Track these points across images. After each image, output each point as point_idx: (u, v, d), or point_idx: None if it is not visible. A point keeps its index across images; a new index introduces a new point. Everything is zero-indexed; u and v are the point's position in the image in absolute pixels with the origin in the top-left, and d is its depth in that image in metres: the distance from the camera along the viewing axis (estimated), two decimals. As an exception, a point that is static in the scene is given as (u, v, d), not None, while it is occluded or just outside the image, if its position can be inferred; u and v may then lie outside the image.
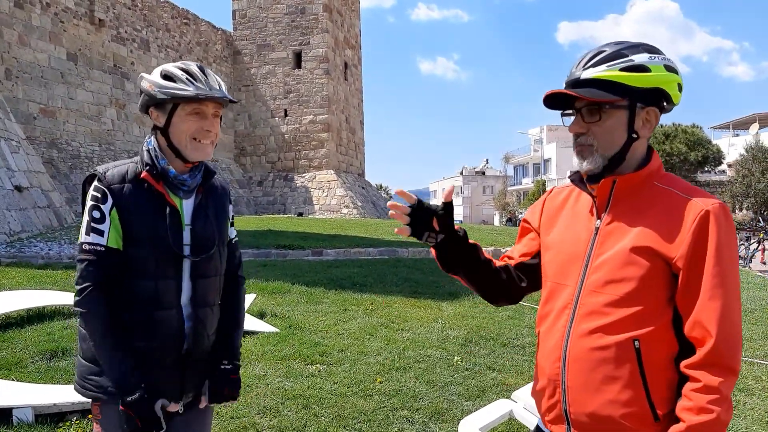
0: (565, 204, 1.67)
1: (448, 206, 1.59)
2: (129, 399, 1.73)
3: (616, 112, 1.49)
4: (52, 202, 13.57)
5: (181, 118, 1.82)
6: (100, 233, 1.76)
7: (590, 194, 1.56)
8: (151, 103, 1.85)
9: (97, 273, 1.76)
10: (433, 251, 1.67)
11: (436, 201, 1.62)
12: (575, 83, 1.50)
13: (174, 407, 1.87)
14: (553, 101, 1.54)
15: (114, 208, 1.78)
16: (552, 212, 1.69)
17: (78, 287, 1.77)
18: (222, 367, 1.94)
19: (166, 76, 1.81)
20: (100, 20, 20.58)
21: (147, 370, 1.80)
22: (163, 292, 1.81)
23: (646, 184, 1.51)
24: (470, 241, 1.67)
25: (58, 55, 18.76)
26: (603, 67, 1.47)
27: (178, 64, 1.85)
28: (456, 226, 1.64)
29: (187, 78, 1.80)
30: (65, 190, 16.57)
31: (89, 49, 20.17)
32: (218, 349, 1.97)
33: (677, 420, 1.38)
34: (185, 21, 26.43)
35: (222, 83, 1.87)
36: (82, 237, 1.78)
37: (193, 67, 1.84)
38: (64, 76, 18.96)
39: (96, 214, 1.77)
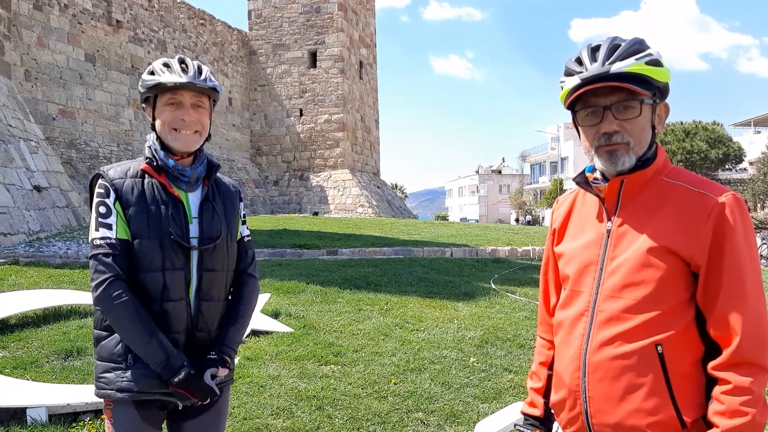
0: (572, 209, 1.62)
1: None
2: (177, 380, 1.74)
3: (646, 108, 1.44)
4: (70, 201, 13.71)
5: (160, 110, 1.86)
6: (109, 227, 1.79)
7: (598, 196, 1.50)
8: (141, 100, 1.91)
9: (113, 265, 1.76)
10: None
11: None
12: (604, 78, 1.40)
13: (222, 372, 1.86)
14: (571, 100, 1.47)
15: (117, 203, 1.81)
16: (562, 220, 1.64)
17: (95, 282, 1.76)
18: (208, 357, 1.85)
19: (150, 71, 1.86)
20: (117, 21, 20.78)
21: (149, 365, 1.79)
22: (171, 284, 1.81)
23: (655, 181, 1.46)
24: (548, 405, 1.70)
25: (77, 57, 18.97)
26: (632, 60, 1.39)
27: (165, 59, 1.88)
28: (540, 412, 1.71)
29: (160, 69, 1.83)
30: (84, 190, 16.72)
31: (107, 50, 20.37)
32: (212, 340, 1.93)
33: (707, 426, 1.34)
34: (201, 21, 26.60)
35: (205, 74, 1.86)
36: (92, 233, 1.80)
37: (174, 58, 1.86)
38: (82, 77, 19.17)
39: (102, 209, 1.80)
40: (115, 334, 1.81)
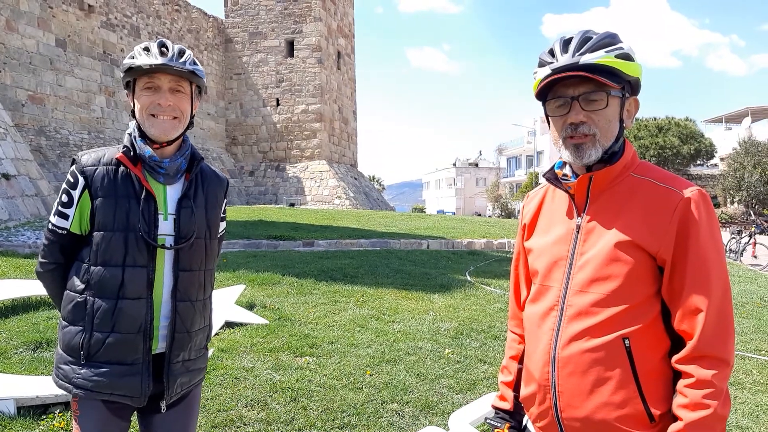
0: (542, 204, 1.63)
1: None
2: None
3: (614, 101, 1.44)
4: (40, 190, 13.39)
5: (137, 94, 1.81)
6: (65, 217, 1.79)
7: (567, 192, 1.52)
8: (123, 86, 1.87)
9: (57, 253, 1.83)
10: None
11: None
12: (572, 68, 1.41)
13: None
14: (540, 90, 1.48)
15: (86, 192, 1.77)
16: (532, 215, 1.65)
17: (39, 258, 1.86)
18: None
19: (131, 56, 1.81)
20: (89, 6, 20.29)
21: (103, 364, 1.75)
22: (129, 281, 1.75)
23: (623, 176, 1.47)
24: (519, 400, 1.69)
25: (47, 41, 18.49)
26: (601, 52, 1.41)
27: (146, 43, 1.82)
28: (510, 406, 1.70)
29: (139, 52, 1.79)
30: (53, 178, 16.37)
31: (78, 35, 19.89)
32: None
33: (675, 419, 1.35)
34: (176, 7, 26.13)
35: (186, 57, 1.81)
36: (51, 217, 1.83)
37: (154, 42, 1.81)
38: (52, 63, 18.70)
39: (64, 197, 1.80)
40: (75, 326, 1.78)
